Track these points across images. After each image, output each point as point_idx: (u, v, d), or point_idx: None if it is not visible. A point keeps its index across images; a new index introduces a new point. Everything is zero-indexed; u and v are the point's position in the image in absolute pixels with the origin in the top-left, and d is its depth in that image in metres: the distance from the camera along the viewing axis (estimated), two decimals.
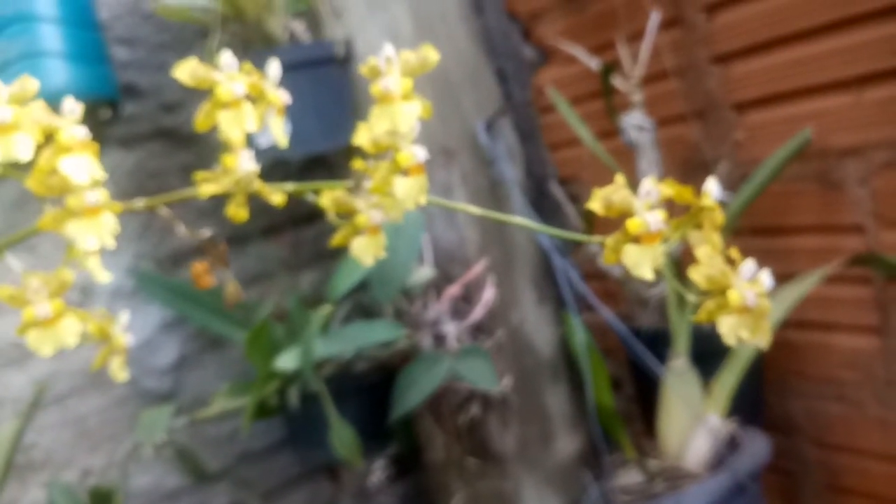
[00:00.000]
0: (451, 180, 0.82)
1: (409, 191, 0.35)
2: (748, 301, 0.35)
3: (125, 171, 1.04)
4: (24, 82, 0.40)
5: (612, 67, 0.90)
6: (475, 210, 0.40)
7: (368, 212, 0.40)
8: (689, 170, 1.05)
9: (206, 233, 0.48)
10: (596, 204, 0.35)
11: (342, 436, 0.73)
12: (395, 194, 0.35)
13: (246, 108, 0.38)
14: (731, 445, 0.85)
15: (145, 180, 1.06)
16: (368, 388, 0.86)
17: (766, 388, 1.02)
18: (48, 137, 0.42)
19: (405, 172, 0.35)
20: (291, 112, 0.78)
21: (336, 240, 0.41)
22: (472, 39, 0.93)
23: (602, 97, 1.10)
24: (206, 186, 0.38)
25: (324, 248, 1.20)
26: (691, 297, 0.37)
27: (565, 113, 0.95)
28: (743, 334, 0.36)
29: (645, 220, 0.35)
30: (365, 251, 0.40)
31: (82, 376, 1.00)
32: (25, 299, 0.44)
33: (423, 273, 0.78)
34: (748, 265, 0.36)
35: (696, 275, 0.36)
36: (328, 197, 0.40)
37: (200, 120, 0.39)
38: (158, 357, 1.05)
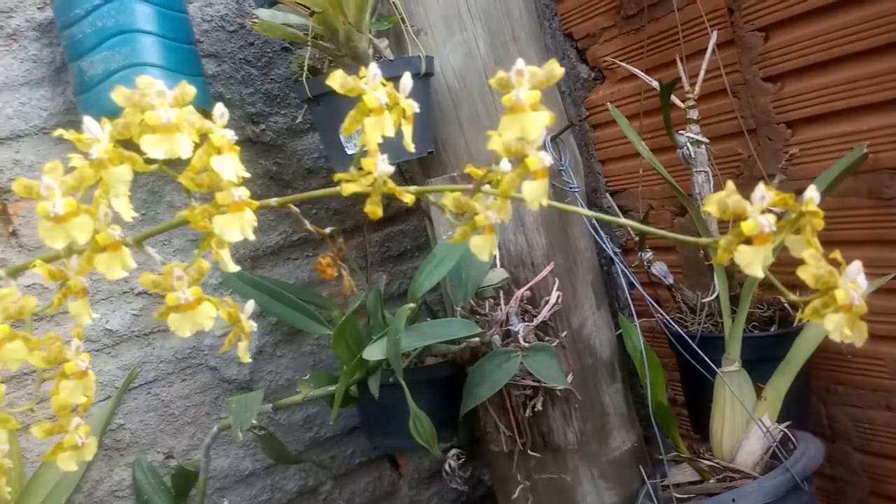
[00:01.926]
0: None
1: (535, 193, 0.41)
2: (854, 300, 0.39)
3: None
4: (184, 87, 0.45)
5: (672, 85, 0.95)
6: (586, 212, 0.45)
7: (486, 212, 0.46)
8: (740, 184, 1.10)
9: (328, 230, 0.54)
10: (712, 207, 0.40)
11: (421, 424, 0.79)
12: (523, 196, 0.41)
13: (387, 115, 0.44)
14: (783, 448, 0.88)
15: None
16: (436, 382, 0.92)
17: (813, 395, 1.06)
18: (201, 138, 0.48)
19: (532, 176, 0.41)
20: None
21: (455, 237, 0.47)
22: (542, 58, 0.99)
23: (652, 114, 1.16)
24: (348, 186, 0.44)
25: (389, 251, 1.26)
26: (791, 296, 0.41)
27: (625, 128, 1.01)
28: (846, 332, 0.39)
29: (759, 222, 0.39)
30: (482, 248, 0.46)
31: (168, 364, 1.08)
32: (168, 286, 0.50)
33: (497, 275, 0.84)
34: (854, 267, 0.39)
35: (805, 274, 0.39)
36: (450, 198, 0.46)
37: (346, 125, 0.45)
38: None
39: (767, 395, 0.93)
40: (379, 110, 0.43)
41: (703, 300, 1.02)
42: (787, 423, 0.92)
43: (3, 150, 1.02)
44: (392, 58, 0.90)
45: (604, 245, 0.87)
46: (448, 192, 0.46)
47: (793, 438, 0.92)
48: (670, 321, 0.92)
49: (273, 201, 0.50)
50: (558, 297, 0.87)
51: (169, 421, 1.08)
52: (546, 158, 0.41)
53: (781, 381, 0.92)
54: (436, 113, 0.94)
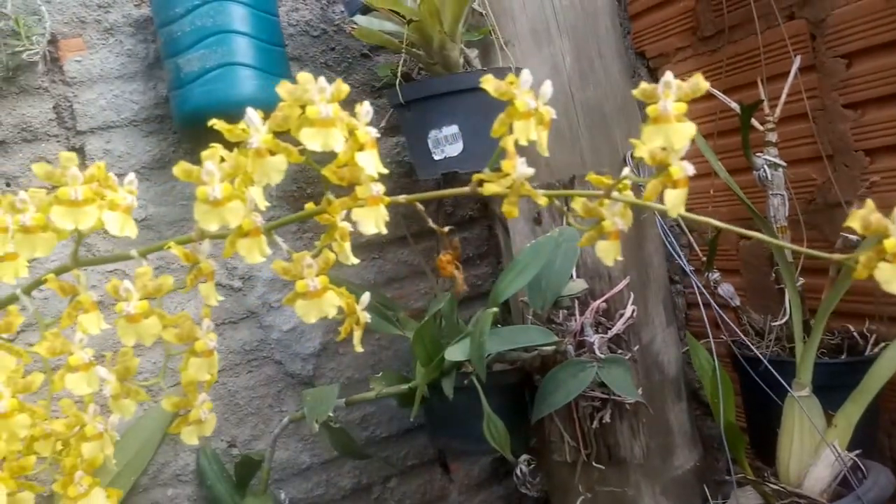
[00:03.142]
0: None
1: (676, 200, 0.42)
2: None
3: (288, 174, 1.15)
4: (339, 85, 0.47)
5: (754, 107, 0.95)
6: (718, 224, 0.46)
7: (612, 218, 0.47)
8: (813, 210, 1.09)
9: (446, 229, 0.55)
10: (855, 223, 0.41)
11: (495, 427, 0.80)
12: (665, 203, 0.42)
13: (533, 120, 0.45)
14: (852, 476, 0.87)
15: (303, 185, 1.16)
16: (505, 388, 0.93)
17: (881, 426, 1.04)
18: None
19: (674, 185, 0.42)
20: (466, 132, 0.88)
21: (583, 241, 0.48)
22: (625, 75, 1.00)
23: (724, 135, 1.16)
24: (489, 186, 0.45)
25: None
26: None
27: (702, 148, 1.01)
28: None
29: None
30: (607, 252, 0.47)
31: (237, 355, 1.11)
32: (297, 273, 0.53)
33: (577, 285, 0.85)
34: None
35: None
36: (579, 203, 0.47)
37: (496, 128, 0.46)
38: (304, 344, 1.15)
39: (838, 422, 0.92)
40: (527, 114, 0.45)
41: (773, 323, 1.01)
42: (857, 452, 0.91)
43: (95, 139, 1.06)
44: (480, 68, 0.92)
45: (682, 263, 0.88)
46: (577, 198, 0.47)
47: (862, 467, 0.91)
48: (748, 342, 0.92)
49: (401, 198, 0.52)
50: (633, 311, 0.88)
51: (234, 410, 1.11)
52: (689, 168, 0.42)
53: (854, 409, 0.91)
54: None
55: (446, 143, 0.86)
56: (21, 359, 0.52)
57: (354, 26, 0.87)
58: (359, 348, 0.57)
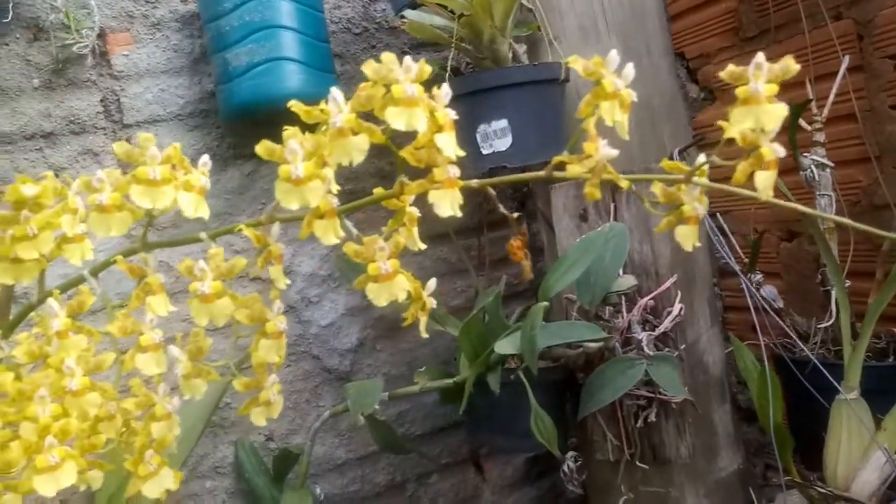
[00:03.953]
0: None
1: (767, 182, 0.42)
2: None
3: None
4: (422, 65, 0.47)
5: (802, 107, 0.95)
6: (839, 219, 0.46)
7: (692, 203, 0.47)
8: (859, 212, 1.08)
9: (515, 215, 0.55)
10: None
11: (543, 423, 0.80)
12: (756, 185, 0.42)
13: (620, 99, 0.45)
14: None
15: (343, 182, 1.17)
16: (548, 385, 0.93)
17: None
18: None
19: (765, 166, 0.42)
20: (515, 126, 0.88)
21: (661, 227, 0.48)
22: (671, 73, 1.00)
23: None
24: (572, 168, 0.45)
25: (488, 255, 1.28)
26: None
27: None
28: None
29: None
30: (686, 237, 0.47)
31: None
32: (369, 256, 0.53)
33: (626, 281, 0.84)
34: None
35: None
36: (658, 187, 0.47)
37: (582, 108, 0.46)
38: (341, 339, 1.15)
39: (888, 425, 0.91)
40: (614, 95, 0.45)
41: (819, 325, 1.00)
42: None
43: (141, 132, 1.07)
44: (528, 62, 0.92)
45: (731, 263, 0.87)
46: (657, 182, 0.47)
47: None
48: (800, 344, 0.91)
49: (474, 183, 0.52)
50: (681, 309, 0.87)
51: None
52: (780, 150, 0.42)
53: None
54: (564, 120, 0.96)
55: (495, 137, 0.86)
56: (93, 338, 0.53)
57: (405, 21, 0.87)
58: (424, 334, 0.57)
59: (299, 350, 1.13)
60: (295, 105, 0.48)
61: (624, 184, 0.47)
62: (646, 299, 0.86)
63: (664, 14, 1.03)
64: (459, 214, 0.49)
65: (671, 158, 1.01)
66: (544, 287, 0.81)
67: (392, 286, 0.51)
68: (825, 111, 1.00)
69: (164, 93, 1.08)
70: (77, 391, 0.50)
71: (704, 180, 0.48)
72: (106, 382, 0.53)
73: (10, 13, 0.96)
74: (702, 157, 0.48)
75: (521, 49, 0.92)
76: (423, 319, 0.56)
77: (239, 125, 1.10)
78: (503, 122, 0.85)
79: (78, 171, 1.04)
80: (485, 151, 0.88)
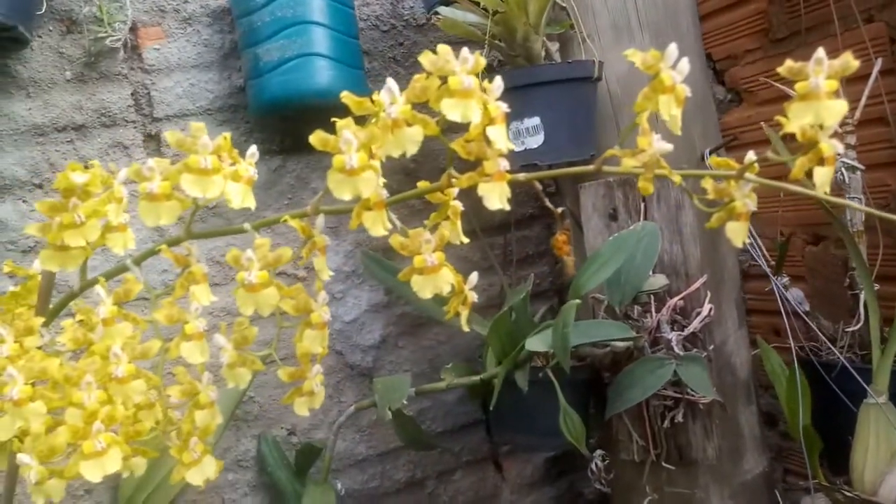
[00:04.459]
0: (682, 199, 0.89)
1: (825, 178, 0.41)
2: None
3: None
4: (477, 57, 0.47)
5: None
6: (878, 212, 0.46)
7: (743, 199, 0.47)
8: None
9: (559, 210, 0.55)
10: None
11: (572, 421, 0.79)
12: (815, 181, 0.42)
13: (676, 94, 0.45)
14: None
15: None
16: (575, 384, 0.92)
17: None
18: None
19: (823, 162, 0.42)
20: (547, 124, 0.88)
21: (712, 223, 0.48)
22: (703, 72, 0.99)
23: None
24: (627, 161, 0.45)
25: (511, 255, 1.28)
26: None
27: (780, 150, 1.00)
28: None
29: None
30: (737, 233, 0.47)
31: None
32: (415, 248, 0.53)
33: (657, 280, 0.84)
34: None
35: None
36: (709, 183, 0.47)
37: (639, 102, 0.46)
38: (364, 336, 1.15)
39: None
40: (671, 89, 0.44)
41: (847, 329, 0.99)
42: None
43: (170, 126, 1.08)
44: (560, 61, 0.92)
45: (763, 266, 0.87)
46: (708, 177, 0.47)
47: None
48: (831, 347, 0.91)
49: (521, 176, 0.52)
50: (710, 310, 0.86)
51: None
52: (839, 146, 0.42)
53: None
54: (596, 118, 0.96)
55: (527, 134, 0.85)
56: (138, 326, 0.53)
57: (438, 17, 0.87)
58: (465, 328, 0.57)
59: None
60: (346, 96, 0.48)
61: (676, 179, 0.46)
62: (676, 299, 0.86)
63: (696, 13, 1.03)
64: (508, 207, 0.49)
65: (702, 159, 1.00)
66: (575, 285, 0.81)
67: (437, 279, 0.51)
68: (857, 114, 1.00)
69: (194, 87, 1.09)
70: (123, 378, 0.51)
71: (756, 177, 0.48)
72: (147, 371, 0.54)
73: (44, 6, 0.97)
74: (751, 155, 0.48)
75: (554, 47, 0.92)
76: (465, 313, 0.56)
77: (267, 120, 1.10)
78: (536, 120, 0.85)
79: (107, 163, 1.04)
80: (517, 149, 0.88)
